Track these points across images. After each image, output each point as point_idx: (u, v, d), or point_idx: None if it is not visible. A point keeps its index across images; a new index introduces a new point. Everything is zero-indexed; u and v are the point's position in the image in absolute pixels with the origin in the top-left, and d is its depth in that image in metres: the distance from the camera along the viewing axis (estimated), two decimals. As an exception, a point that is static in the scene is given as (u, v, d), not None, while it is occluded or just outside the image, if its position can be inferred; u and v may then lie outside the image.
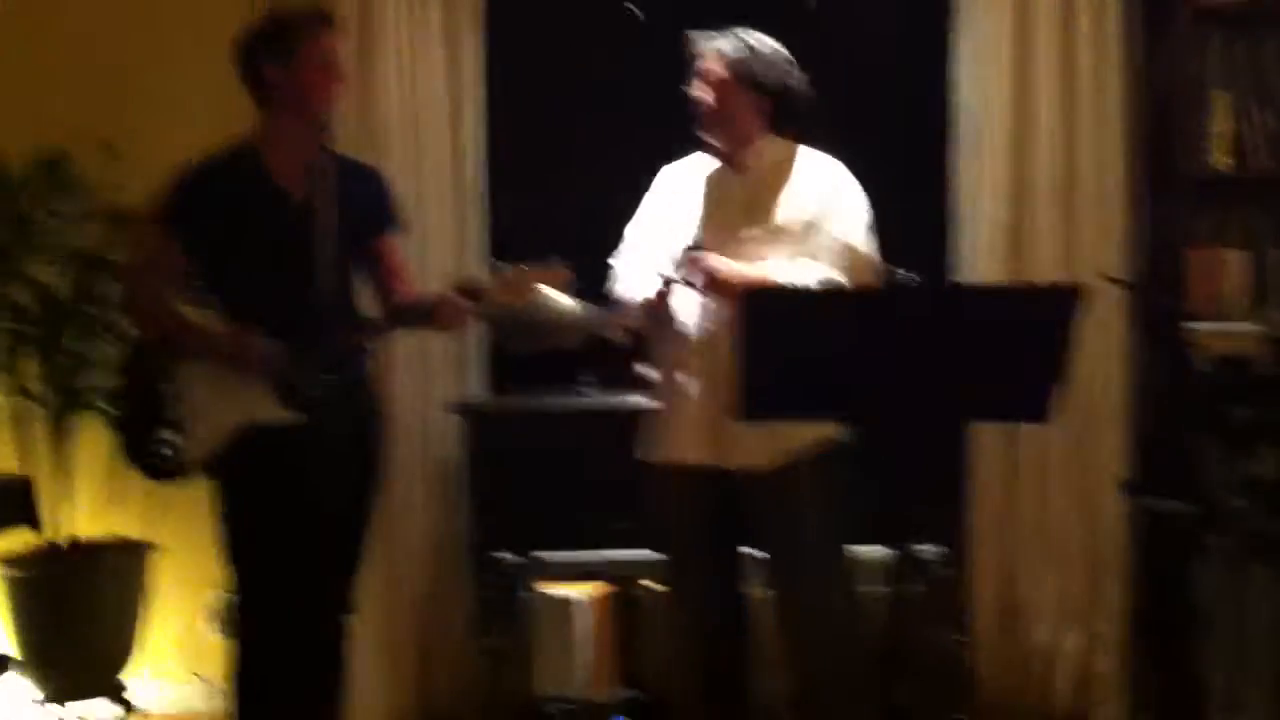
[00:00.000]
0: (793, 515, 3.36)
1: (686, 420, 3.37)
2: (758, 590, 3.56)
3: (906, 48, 4.39)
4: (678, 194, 3.52)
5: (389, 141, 4.16)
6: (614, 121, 4.46)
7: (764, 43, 3.42)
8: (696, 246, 3.30)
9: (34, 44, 4.35)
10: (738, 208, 3.41)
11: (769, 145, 3.45)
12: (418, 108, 4.20)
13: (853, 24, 4.37)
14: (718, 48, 3.40)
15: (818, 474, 3.35)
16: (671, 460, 3.41)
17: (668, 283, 3.32)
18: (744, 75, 3.37)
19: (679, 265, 3.29)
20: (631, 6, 4.39)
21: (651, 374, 3.56)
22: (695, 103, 3.42)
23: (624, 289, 3.49)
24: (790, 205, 3.39)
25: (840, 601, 3.45)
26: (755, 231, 3.36)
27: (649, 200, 3.59)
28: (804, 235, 3.35)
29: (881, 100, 4.38)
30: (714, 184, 3.47)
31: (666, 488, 3.45)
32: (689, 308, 3.36)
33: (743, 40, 3.40)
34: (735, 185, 3.44)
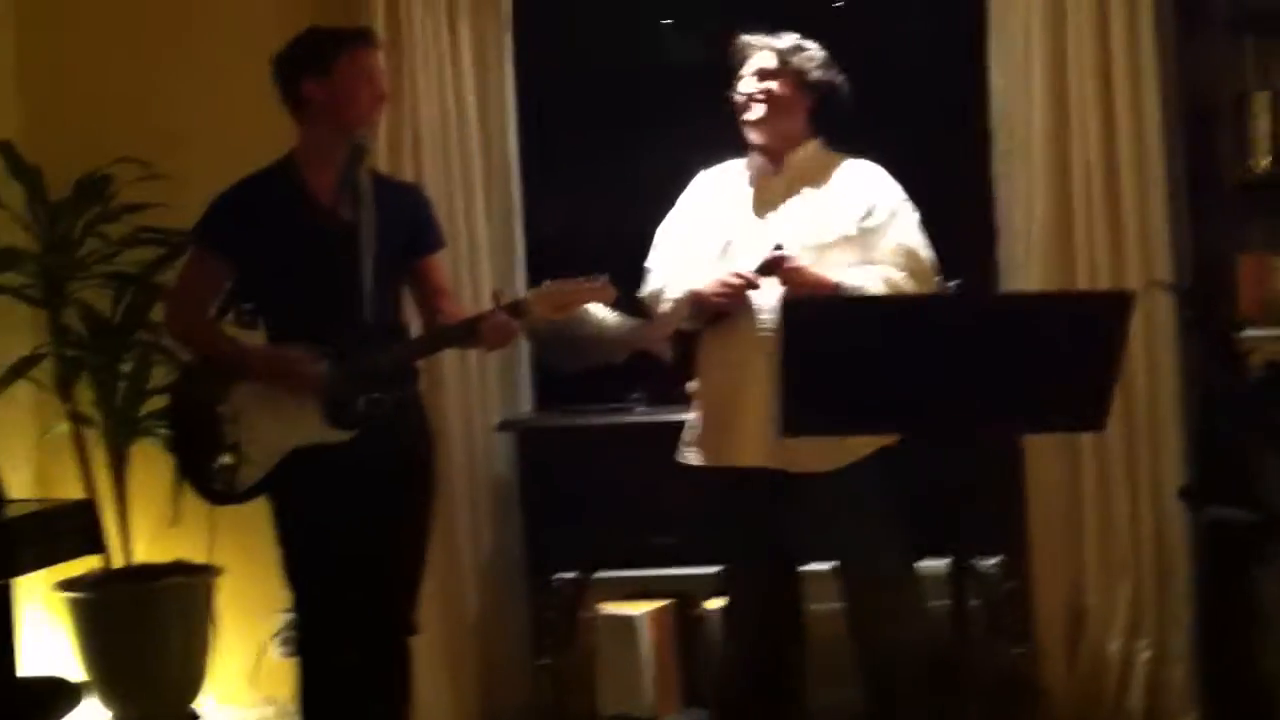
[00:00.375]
0: (856, 516, 3.33)
1: (747, 423, 3.31)
2: (814, 603, 3.54)
3: (940, 57, 4.37)
4: (716, 198, 3.51)
5: (425, 159, 4.16)
6: (646, 126, 4.48)
7: (810, 44, 3.45)
8: (780, 248, 3.28)
9: (72, 67, 4.42)
10: (785, 210, 3.40)
11: (814, 149, 3.47)
12: (451, 123, 4.20)
13: (884, 36, 4.37)
14: (771, 45, 3.42)
15: (877, 474, 3.32)
16: (729, 464, 3.38)
17: (747, 283, 3.28)
18: (796, 72, 3.40)
19: (761, 266, 3.27)
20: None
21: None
22: (743, 101, 3.43)
23: (664, 289, 3.47)
24: (845, 210, 3.38)
25: (910, 602, 3.43)
26: (812, 236, 3.34)
27: (684, 204, 3.58)
28: (863, 241, 3.35)
29: (917, 109, 4.36)
30: (759, 186, 3.46)
31: (722, 493, 3.42)
32: (756, 308, 3.32)
33: (792, 40, 3.44)
34: (780, 187, 3.44)
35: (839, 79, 3.46)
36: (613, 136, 4.54)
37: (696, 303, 3.37)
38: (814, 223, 3.36)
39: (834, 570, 3.45)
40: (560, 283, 3.26)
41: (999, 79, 4.13)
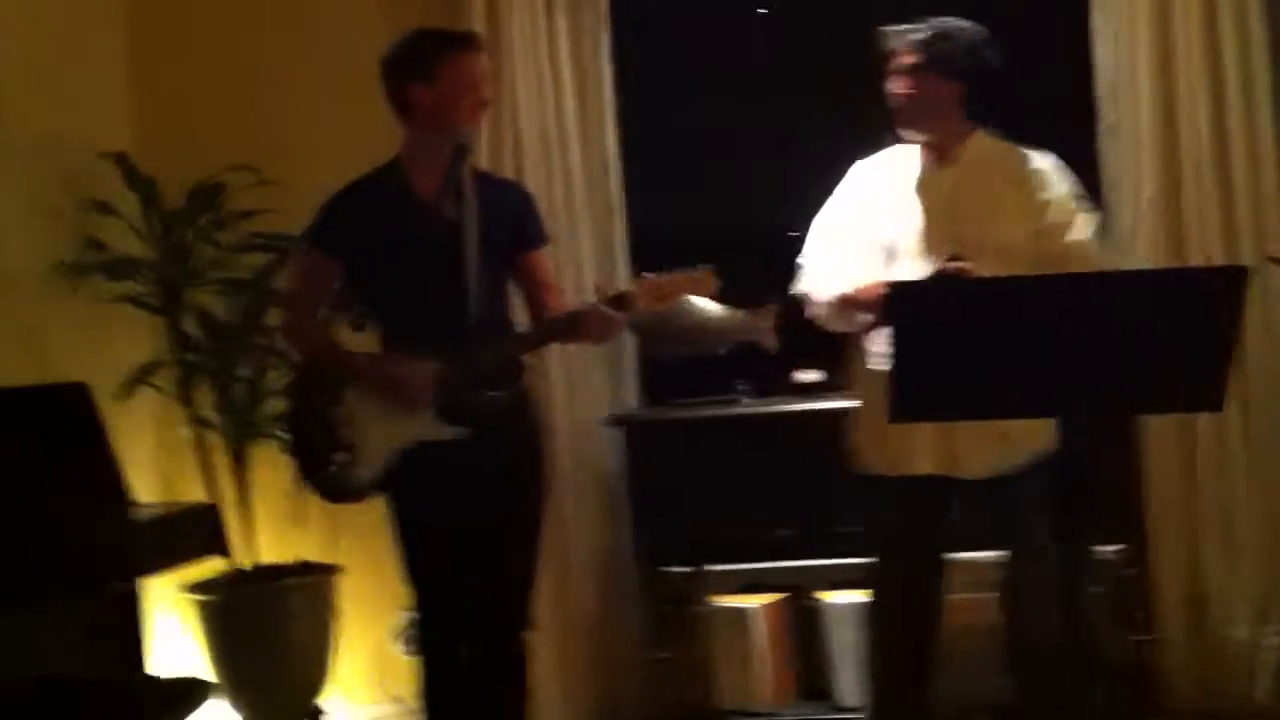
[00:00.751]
0: (1020, 516, 3.32)
1: (916, 430, 3.26)
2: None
3: (1043, 28, 4.28)
4: (876, 190, 3.43)
5: (525, 157, 4.20)
6: (748, 118, 4.45)
7: (953, 25, 3.33)
8: (957, 257, 3.19)
9: (181, 79, 4.53)
10: (957, 207, 3.31)
11: (984, 142, 3.37)
12: (551, 121, 4.24)
13: (987, 8, 4.29)
14: (910, 40, 3.32)
15: (1038, 479, 3.27)
16: (899, 474, 3.34)
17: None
18: (941, 64, 3.29)
19: (936, 274, 3.19)
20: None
21: (811, 377, 3.52)
22: (894, 100, 3.35)
23: (821, 286, 3.42)
24: (1017, 211, 3.29)
25: (1058, 603, 3.38)
26: (983, 238, 3.25)
27: (840, 197, 3.50)
28: (1036, 243, 3.26)
29: (1020, 82, 4.25)
30: (925, 183, 3.37)
31: (889, 498, 3.39)
32: None
33: (933, 28, 3.33)
34: (951, 182, 3.35)
35: (990, 58, 3.33)
36: (715, 129, 4.53)
37: (850, 307, 3.33)
38: (984, 223, 3.27)
39: (988, 563, 3.46)
40: (662, 275, 3.26)
41: (1104, 51, 4.05)
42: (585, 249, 4.27)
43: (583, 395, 4.27)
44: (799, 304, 3.51)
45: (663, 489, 4.11)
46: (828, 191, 3.55)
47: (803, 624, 4.15)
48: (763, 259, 3.84)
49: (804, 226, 3.54)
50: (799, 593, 4.15)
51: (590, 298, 3.35)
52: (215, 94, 4.51)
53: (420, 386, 3.26)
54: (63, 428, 3.47)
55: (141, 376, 4.24)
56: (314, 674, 4.36)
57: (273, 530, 4.42)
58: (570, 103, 4.27)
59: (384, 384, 3.29)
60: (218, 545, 3.80)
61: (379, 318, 3.43)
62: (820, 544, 4.10)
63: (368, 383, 3.32)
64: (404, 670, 3.99)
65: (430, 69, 3.29)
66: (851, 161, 3.57)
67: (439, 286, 3.26)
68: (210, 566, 4.20)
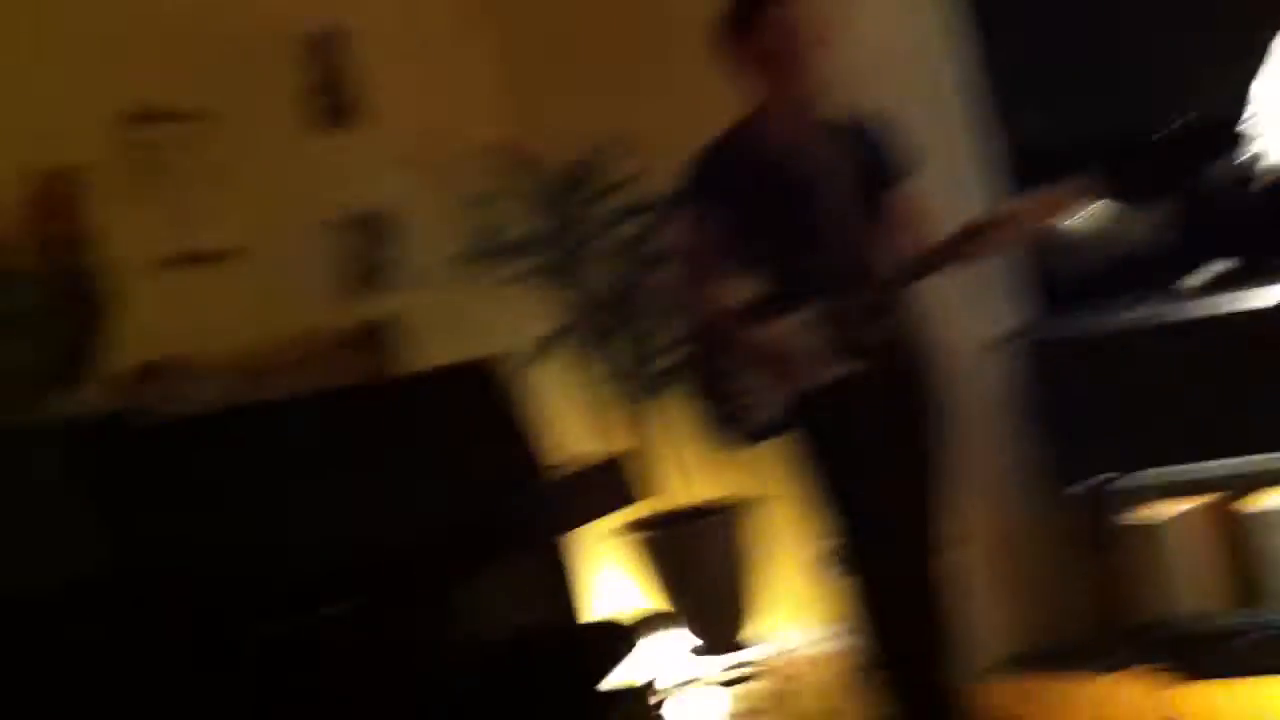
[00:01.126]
0: None
1: None
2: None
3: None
4: None
5: (869, 87, 3.99)
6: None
7: None
8: None
9: (550, 63, 4.75)
10: None
11: None
12: (893, 46, 4.17)
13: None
14: None
15: None
16: None
17: None
18: None
19: None
20: None
21: (1207, 277, 3.34)
22: None
23: (1261, 154, 3.24)
24: None
25: None
26: None
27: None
28: None
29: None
30: None
31: None
32: None
33: None
34: None
35: None
36: (1077, 32, 4.34)
37: None
38: None
39: None
40: (1040, 191, 3.20)
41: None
42: (945, 174, 4.12)
43: (974, 315, 4.22)
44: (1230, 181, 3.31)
45: (1068, 403, 4.04)
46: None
47: (1229, 530, 3.99)
48: (1147, 159, 3.68)
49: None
50: (1221, 498, 3.99)
51: (965, 221, 3.32)
52: (577, 69, 4.69)
53: (797, 360, 3.33)
54: (480, 400, 3.75)
55: (549, 344, 4.55)
56: (745, 604, 4.57)
57: (696, 471, 4.61)
58: (914, 20, 4.21)
59: (765, 361, 3.38)
60: (628, 496, 4.00)
61: (754, 269, 3.49)
62: (1240, 447, 3.93)
63: (752, 358, 3.41)
64: (826, 594, 4.09)
65: (750, 25, 3.32)
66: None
67: (808, 233, 3.30)
68: (636, 511, 4.38)
